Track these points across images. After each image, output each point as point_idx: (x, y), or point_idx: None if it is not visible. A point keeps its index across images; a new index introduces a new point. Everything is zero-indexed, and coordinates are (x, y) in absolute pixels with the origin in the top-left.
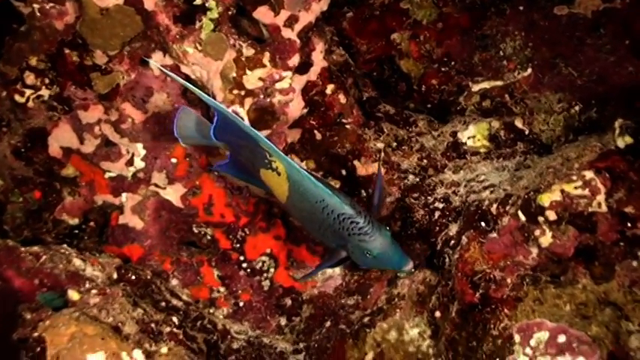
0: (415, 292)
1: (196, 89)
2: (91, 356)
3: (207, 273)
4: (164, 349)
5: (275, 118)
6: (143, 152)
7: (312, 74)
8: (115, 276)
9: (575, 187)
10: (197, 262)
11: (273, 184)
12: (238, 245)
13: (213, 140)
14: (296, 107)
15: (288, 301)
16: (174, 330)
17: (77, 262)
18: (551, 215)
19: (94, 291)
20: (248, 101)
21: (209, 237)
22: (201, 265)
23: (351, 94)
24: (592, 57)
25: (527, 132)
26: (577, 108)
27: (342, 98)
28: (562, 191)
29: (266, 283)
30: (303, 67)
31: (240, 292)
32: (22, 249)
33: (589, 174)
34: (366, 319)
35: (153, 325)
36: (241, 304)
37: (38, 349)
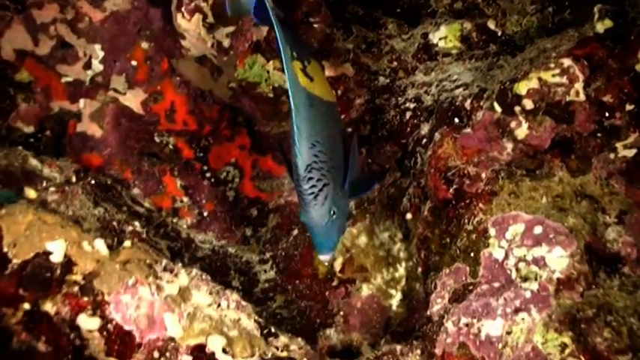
0: (385, 195)
1: None
2: (51, 244)
3: (170, 182)
4: (127, 243)
5: None
6: (101, 54)
7: None
8: (73, 179)
9: (553, 75)
10: (159, 171)
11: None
12: (202, 154)
13: (255, 20)
14: None
15: (254, 212)
16: (138, 229)
17: (34, 162)
18: (528, 104)
19: (52, 189)
20: None
21: (171, 146)
22: (163, 175)
23: None
24: None
25: (499, 33)
26: (550, 9)
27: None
28: (539, 79)
29: (231, 194)
30: None
31: (204, 202)
32: None
33: (567, 61)
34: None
35: (115, 223)
36: (205, 214)
37: None
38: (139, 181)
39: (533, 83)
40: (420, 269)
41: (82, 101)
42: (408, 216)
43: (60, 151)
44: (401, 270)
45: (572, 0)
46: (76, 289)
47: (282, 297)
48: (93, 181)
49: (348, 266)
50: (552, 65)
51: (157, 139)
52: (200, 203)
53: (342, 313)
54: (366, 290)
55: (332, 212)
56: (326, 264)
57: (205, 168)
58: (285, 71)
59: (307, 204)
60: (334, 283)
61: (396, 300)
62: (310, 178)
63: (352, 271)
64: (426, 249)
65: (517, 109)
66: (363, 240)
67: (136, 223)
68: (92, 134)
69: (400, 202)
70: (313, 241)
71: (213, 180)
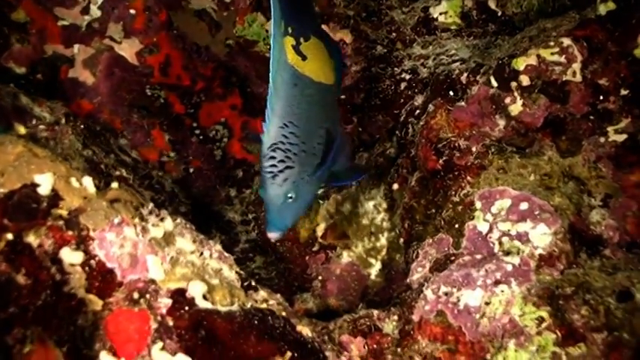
0: (373, 164)
1: None
2: (39, 176)
3: (158, 136)
4: (115, 185)
5: None
6: (100, 0)
7: None
8: (63, 122)
9: (552, 54)
10: (148, 124)
11: None
12: (192, 111)
13: None
14: None
15: (240, 173)
16: (124, 175)
17: (25, 99)
18: (525, 80)
19: (41, 126)
20: None
21: (162, 100)
22: (152, 128)
23: None
24: None
25: (499, 14)
26: None
27: None
28: (538, 56)
29: (218, 153)
30: None
31: (190, 158)
32: None
33: (566, 41)
34: (319, 191)
35: (102, 166)
36: (191, 170)
37: None
38: (128, 132)
39: (532, 60)
40: (401, 240)
41: (76, 47)
42: (395, 186)
43: (50, 96)
44: (382, 240)
45: None
46: (61, 222)
47: (262, 258)
48: (82, 126)
49: (330, 232)
50: (552, 43)
51: (149, 92)
52: (187, 159)
53: (320, 278)
54: (346, 257)
55: (289, 195)
56: (273, 240)
57: (195, 125)
58: (271, 45)
59: (265, 181)
60: (315, 248)
61: (375, 269)
62: (272, 157)
63: (334, 237)
64: (411, 218)
65: (513, 84)
66: (347, 207)
67: (123, 170)
68: (84, 81)
69: (388, 172)
70: (265, 216)
71: (201, 137)
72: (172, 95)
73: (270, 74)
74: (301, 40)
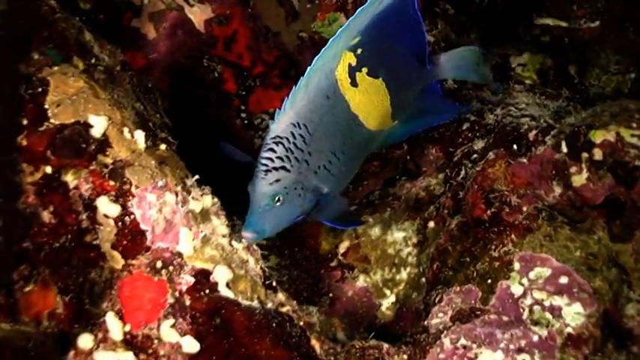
0: (414, 196)
1: None
2: (94, 117)
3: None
4: (163, 146)
5: None
6: None
7: None
8: (118, 68)
9: (632, 135)
10: None
11: None
12: (244, 93)
13: None
14: None
15: None
16: (170, 139)
17: (88, 36)
18: (598, 154)
19: (100, 67)
20: None
21: (216, 75)
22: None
23: None
24: None
25: (576, 80)
26: (632, 75)
27: None
28: (617, 134)
29: (258, 142)
30: None
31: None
32: None
33: None
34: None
35: (150, 124)
36: None
37: (40, 89)
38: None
39: (610, 136)
40: (424, 279)
41: None
42: (431, 224)
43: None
44: (403, 274)
45: None
46: (105, 170)
47: (277, 259)
48: (135, 79)
49: (352, 252)
50: (634, 125)
51: (205, 63)
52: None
53: (331, 295)
54: (362, 281)
55: (277, 198)
56: (245, 242)
57: (243, 107)
58: (328, 43)
59: (256, 175)
60: (333, 264)
61: (387, 301)
62: (272, 150)
63: (355, 258)
64: (442, 261)
65: (584, 155)
66: (376, 232)
67: (168, 134)
68: (145, 33)
69: (427, 208)
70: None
71: (246, 122)
72: (228, 72)
73: (309, 67)
74: (363, 69)
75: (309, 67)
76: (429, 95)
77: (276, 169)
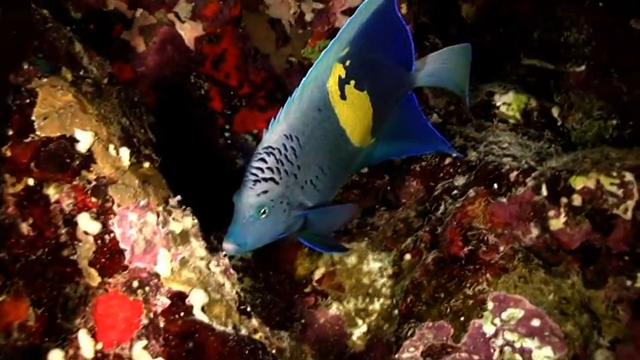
0: (392, 227)
1: None
2: (80, 132)
3: None
4: (147, 164)
5: None
6: None
7: None
8: (105, 81)
9: (611, 184)
10: None
11: None
12: (229, 112)
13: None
14: None
15: None
16: (153, 156)
17: (78, 47)
18: (577, 200)
19: (88, 80)
20: None
21: (203, 92)
22: None
23: (412, 9)
24: None
25: (559, 123)
26: (614, 122)
27: (403, 8)
28: (597, 181)
29: (240, 162)
30: None
31: None
32: (33, 5)
33: (629, 176)
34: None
35: (135, 140)
36: None
37: (27, 100)
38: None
39: (590, 183)
40: (397, 311)
41: (139, 10)
42: (407, 256)
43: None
44: (377, 304)
45: (637, 123)
46: (88, 186)
47: (251, 282)
48: (122, 93)
49: (327, 279)
50: (614, 174)
51: (192, 79)
52: None
53: (303, 321)
54: (334, 309)
55: (262, 211)
56: (225, 253)
57: (227, 127)
58: (320, 55)
59: (243, 184)
60: (307, 289)
61: (358, 331)
62: (263, 160)
63: (329, 285)
64: (416, 295)
65: (563, 200)
66: (352, 260)
67: (152, 150)
68: (134, 46)
69: (404, 240)
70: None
71: (229, 142)
72: (215, 90)
73: (303, 80)
74: (351, 81)
75: (303, 79)
76: (410, 114)
77: (265, 179)
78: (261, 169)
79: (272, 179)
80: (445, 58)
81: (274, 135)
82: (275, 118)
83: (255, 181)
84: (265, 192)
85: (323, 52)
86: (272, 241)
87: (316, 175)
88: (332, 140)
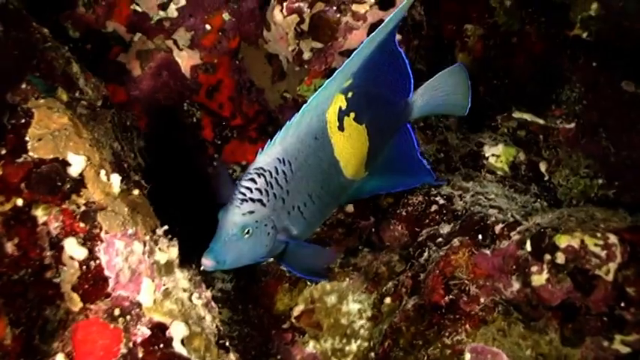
0: (374, 270)
1: None
2: (73, 156)
3: None
4: (136, 192)
5: (333, 37)
6: (183, 3)
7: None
8: (99, 104)
9: (596, 244)
10: None
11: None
12: (219, 142)
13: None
14: (357, 38)
15: None
16: (142, 182)
17: (75, 67)
18: (560, 258)
19: (83, 102)
20: (318, 5)
21: (195, 120)
22: None
23: (410, 56)
24: (636, 144)
25: (546, 178)
26: (600, 181)
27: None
28: (582, 241)
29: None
30: (386, 3)
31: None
32: (34, 23)
33: (613, 239)
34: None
35: (126, 165)
36: None
37: (23, 120)
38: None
39: (575, 242)
40: (374, 354)
41: (138, 35)
42: (387, 300)
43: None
44: (354, 346)
45: (622, 184)
46: (77, 210)
47: (230, 314)
48: (115, 118)
49: (305, 316)
50: (599, 235)
51: (185, 107)
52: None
53: (279, 357)
54: (311, 347)
55: (246, 231)
56: (204, 269)
57: (216, 156)
58: (323, 84)
59: (231, 202)
60: (285, 326)
61: None
62: (253, 180)
63: (308, 323)
64: (394, 340)
65: (547, 257)
66: (332, 300)
67: (141, 177)
68: (130, 70)
69: (386, 283)
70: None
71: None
72: (207, 119)
73: (303, 107)
74: (351, 114)
75: (304, 105)
76: (403, 148)
77: (252, 200)
78: (250, 189)
79: (260, 200)
80: (439, 83)
81: (267, 157)
82: (271, 140)
83: (243, 200)
84: (251, 212)
85: (326, 81)
86: (250, 263)
87: (304, 202)
88: (324, 170)
